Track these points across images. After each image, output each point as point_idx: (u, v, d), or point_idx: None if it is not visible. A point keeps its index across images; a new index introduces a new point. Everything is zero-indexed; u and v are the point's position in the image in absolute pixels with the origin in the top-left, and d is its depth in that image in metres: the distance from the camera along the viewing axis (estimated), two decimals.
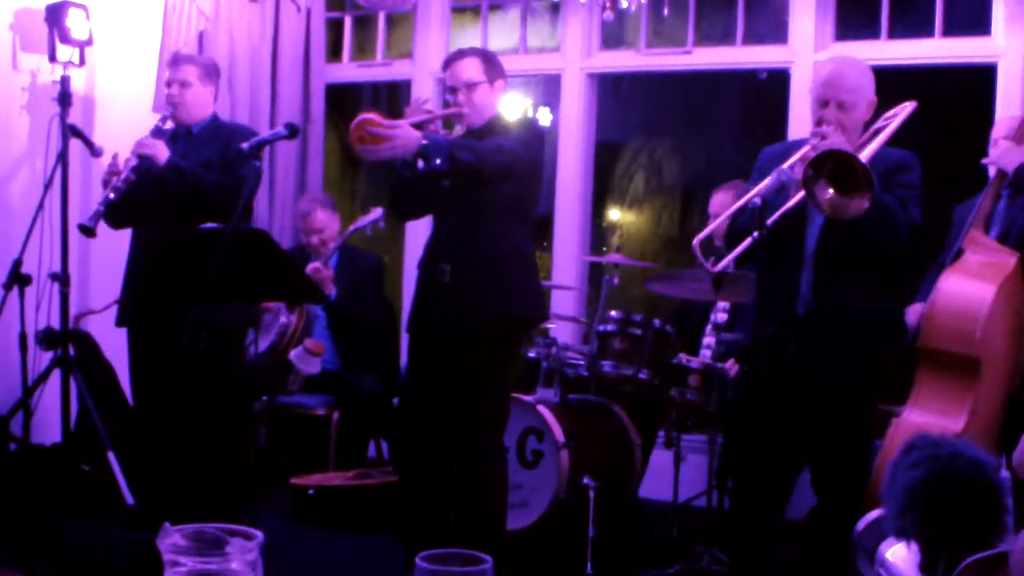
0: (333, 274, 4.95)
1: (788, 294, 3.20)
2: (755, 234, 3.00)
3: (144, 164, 4.01)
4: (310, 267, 4.77)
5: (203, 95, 4.29)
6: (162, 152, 4.04)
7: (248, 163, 4.05)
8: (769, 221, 3.03)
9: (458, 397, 3.46)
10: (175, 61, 4.30)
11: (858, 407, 3.23)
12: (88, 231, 3.94)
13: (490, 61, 3.58)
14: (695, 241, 3.13)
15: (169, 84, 4.24)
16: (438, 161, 3.19)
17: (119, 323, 4.32)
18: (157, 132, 4.16)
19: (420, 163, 3.29)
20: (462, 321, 3.45)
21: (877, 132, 3.22)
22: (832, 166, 2.90)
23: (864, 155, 3.00)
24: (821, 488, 3.28)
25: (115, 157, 4.07)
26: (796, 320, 3.17)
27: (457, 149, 3.23)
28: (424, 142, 3.21)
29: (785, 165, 3.07)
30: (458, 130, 3.56)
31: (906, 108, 3.27)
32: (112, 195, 3.96)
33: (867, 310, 3.18)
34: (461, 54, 3.60)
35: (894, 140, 3.21)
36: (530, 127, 3.59)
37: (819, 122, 3.17)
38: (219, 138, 4.24)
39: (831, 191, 2.92)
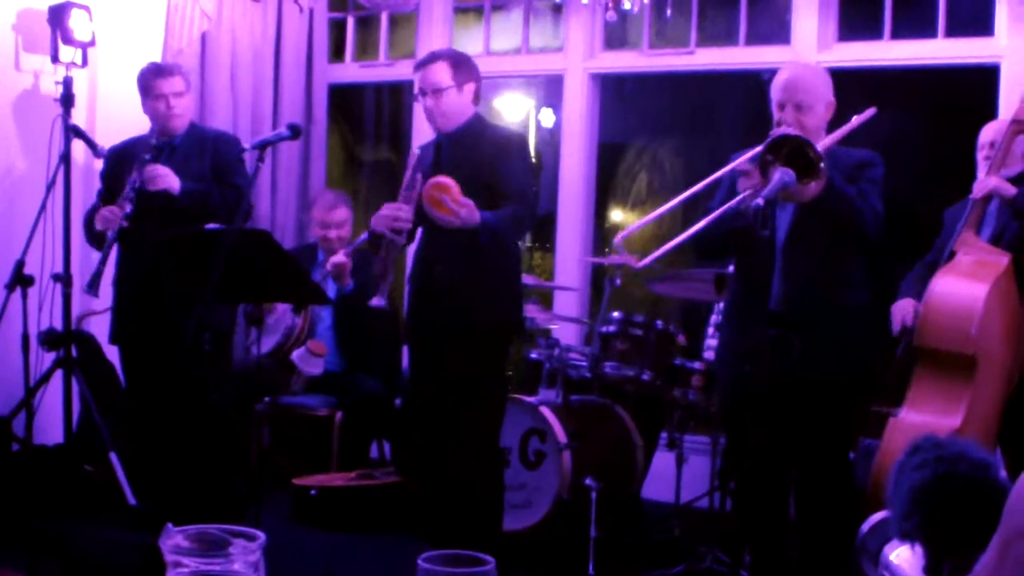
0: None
1: (761, 292, 3.26)
2: (765, 233, 3.03)
3: (138, 201, 4.04)
4: (335, 258, 4.77)
5: (191, 103, 4.32)
6: (174, 181, 4.06)
7: (244, 171, 4.09)
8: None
9: (453, 398, 3.48)
10: (167, 72, 4.26)
11: (837, 402, 3.26)
12: (94, 292, 4.09)
13: (459, 65, 3.60)
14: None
15: (160, 97, 4.20)
16: (483, 238, 3.36)
17: (113, 341, 4.33)
18: (151, 151, 4.15)
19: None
20: (455, 324, 3.47)
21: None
22: (787, 152, 2.97)
23: (820, 145, 3.08)
24: (802, 486, 3.31)
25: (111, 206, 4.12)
26: (770, 316, 3.21)
27: (503, 227, 3.39)
28: (478, 224, 3.34)
29: (743, 158, 3.14)
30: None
31: (866, 113, 3.38)
32: (112, 244, 4.07)
33: (838, 305, 3.23)
34: (432, 58, 3.64)
35: (880, 141, 3.29)
36: (523, 147, 3.60)
37: (778, 123, 3.28)
38: (206, 149, 4.23)
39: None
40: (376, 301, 3.57)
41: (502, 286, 3.51)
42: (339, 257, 4.78)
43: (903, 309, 3.65)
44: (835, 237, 3.21)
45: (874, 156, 3.33)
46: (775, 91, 3.34)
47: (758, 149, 3.10)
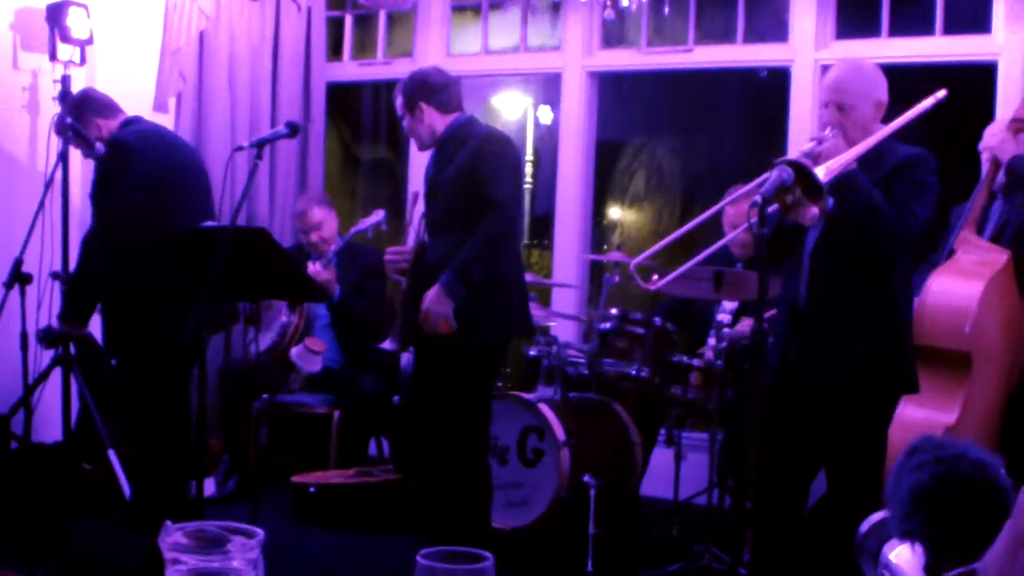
0: (336, 274, 4.94)
1: (789, 291, 3.22)
2: (763, 231, 2.99)
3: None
4: (310, 269, 4.76)
5: (96, 125, 4.14)
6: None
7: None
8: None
9: (437, 399, 3.51)
10: (57, 132, 4.13)
11: (860, 406, 3.20)
12: None
13: (407, 92, 3.66)
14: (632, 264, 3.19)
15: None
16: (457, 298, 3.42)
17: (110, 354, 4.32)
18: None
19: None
20: (438, 341, 3.49)
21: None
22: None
23: (871, 139, 2.99)
24: (833, 491, 3.27)
25: None
26: (794, 316, 3.18)
27: (466, 275, 3.39)
28: (455, 300, 3.41)
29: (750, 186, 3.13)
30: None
31: (936, 97, 3.24)
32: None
33: (861, 309, 3.16)
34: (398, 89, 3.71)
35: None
36: (501, 145, 3.57)
37: (822, 121, 3.20)
38: None
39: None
40: (387, 345, 3.66)
41: (482, 310, 3.50)
42: (314, 268, 4.79)
43: None
44: (858, 248, 3.08)
45: (919, 156, 3.14)
46: (821, 89, 3.27)
47: (763, 177, 3.04)
